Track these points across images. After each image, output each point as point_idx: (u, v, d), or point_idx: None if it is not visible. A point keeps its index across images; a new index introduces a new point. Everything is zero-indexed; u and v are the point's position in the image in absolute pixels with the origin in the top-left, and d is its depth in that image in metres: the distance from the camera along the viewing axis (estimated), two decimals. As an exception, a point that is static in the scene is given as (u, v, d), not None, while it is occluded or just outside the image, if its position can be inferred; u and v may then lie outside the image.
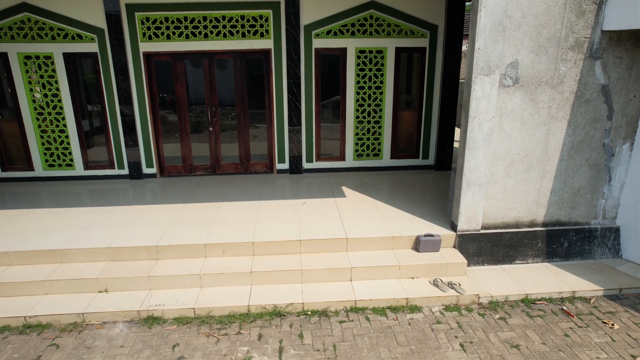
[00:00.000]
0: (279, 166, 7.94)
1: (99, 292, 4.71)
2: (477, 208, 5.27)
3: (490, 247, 5.39)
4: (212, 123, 7.66)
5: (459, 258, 5.12)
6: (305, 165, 7.99)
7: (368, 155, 8.09)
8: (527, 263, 5.45)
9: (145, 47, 7.10)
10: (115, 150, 7.57)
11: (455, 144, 9.72)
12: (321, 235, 5.24)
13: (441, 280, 4.88)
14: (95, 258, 5.03)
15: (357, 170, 8.11)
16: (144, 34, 7.06)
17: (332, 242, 5.19)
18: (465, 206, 5.24)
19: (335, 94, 7.78)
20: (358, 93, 7.70)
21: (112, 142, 7.53)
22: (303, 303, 4.51)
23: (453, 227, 5.44)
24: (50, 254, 4.97)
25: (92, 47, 7.03)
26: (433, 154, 8.19)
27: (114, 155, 7.60)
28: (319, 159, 8.01)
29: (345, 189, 7.05)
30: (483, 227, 5.40)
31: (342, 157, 8.06)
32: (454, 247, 5.38)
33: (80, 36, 7.00)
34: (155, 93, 7.46)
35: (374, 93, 7.74)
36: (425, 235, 5.22)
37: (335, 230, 5.40)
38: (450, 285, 4.81)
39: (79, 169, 7.63)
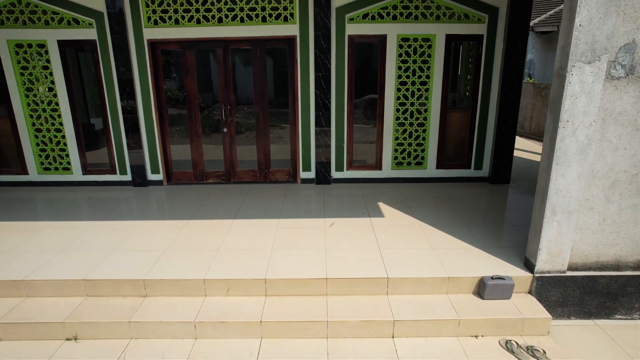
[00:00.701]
0: (303, 175, 6.77)
1: (67, 339, 3.66)
2: (563, 243, 3.93)
3: (580, 295, 4.04)
4: (226, 123, 6.57)
5: (539, 311, 3.80)
6: (335, 174, 6.78)
7: (409, 163, 6.80)
8: (632, 319, 4.05)
9: (150, 33, 6.08)
10: (116, 153, 6.60)
11: (517, 153, 8.27)
12: (354, 273, 4.04)
13: (516, 344, 3.57)
14: (68, 292, 4.00)
15: (395, 181, 6.84)
16: (149, 18, 6.04)
17: (369, 282, 3.98)
18: (547, 240, 3.91)
19: (371, 90, 6.54)
20: (399, 89, 6.43)
21: (114, 143, 6.56)
22: (329, 372, 3.32)
23: (528, 267, 4.11)
24: (13, 286, 3.97)
25: (90, 34, 6.06)
26: (488, 164, 6.82)
27: (115, 159, 6.64)
28: (350, 167, 6.79)
29: (382, 206, 5.81)
30: (570, 268, 4.05)
31: (378, 166, 6.81)
32: (529, 292, 4.06)
33: (76, 21, 6.05)
34: (162, 88, 6.44)
35: (419, 90, 6.45)
36: (492, 278, 3.92)
37: (372, 266, 4.18)
38: (531, 351, 3.49)
39: (76, 174, 6.71)
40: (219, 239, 4.81)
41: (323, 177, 6.72)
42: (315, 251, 4.49)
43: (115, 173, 6.71)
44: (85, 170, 6.72)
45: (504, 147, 6.58)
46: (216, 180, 6.88)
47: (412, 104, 6.51)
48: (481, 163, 6.82)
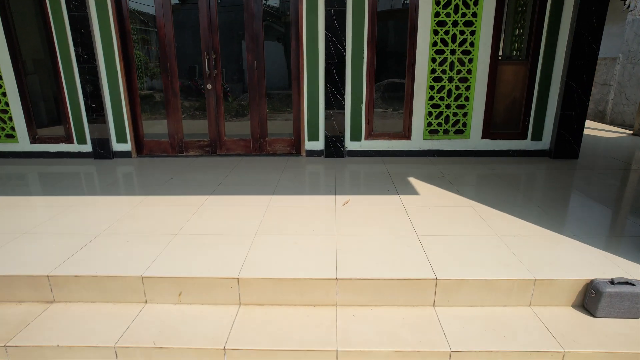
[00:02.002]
0: (309, 145, 5.28)
1: None
2: None
3: None
4: (210, 78, 5.12)
5: (695, 339, 2.23)
6: (349, 144, 5.27)
7: (447, 132, 5.25)
8: None
9: (111, -45, 4.67)
10: (72, 116, 5.21)
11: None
12: (380, 271, 2.53)
13: (670, 398, 2.01)
14: None
15: (428, 154, 5.29)
16: None
17: (405, 286, 2.46)
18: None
19: (399, 34, 5.02)
20: (436, 32, 4.89)
21: (68, 104, 5.16)
22: None
23: (663, 265, 2.55)
24: None
25: (33, -44, 4.69)
26: (550, 134, 5.22)
27: (71, 125, 5.24)
28: (370, 135, 5.27)
29: (415, 182, 4.28)
30: None
31: (406, 134, 5.27)
32: (665, 307, 2.48)
33: (15, -62, 4.69)
34: (128, 29, 5.01)
35: (462, 33, 4.90)
36: (613, 282, 2.36)
37: (408, 260, 2.67)
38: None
39: (23, 143, 5.34)
40: (182, 220, 3.35)
41: (334, 148, 5.21)
42: (320, 238, 3.00)
43: (71, 142, 5.32)
44: (34, 139, 5.34)
45: (574, 110, 4.98)
46: (198, 152, 5.43)
47: (453, 52, 4.96)
48: (540, 132, 5.22)
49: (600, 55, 10.41)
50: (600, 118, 10.04)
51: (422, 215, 3.40)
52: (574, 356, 2.14)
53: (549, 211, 3.46)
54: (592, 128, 8.06)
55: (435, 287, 2.45)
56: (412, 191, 3.99)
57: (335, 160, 5.12)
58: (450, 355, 2.14)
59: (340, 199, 3.78)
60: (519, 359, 2.14)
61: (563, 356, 2.14)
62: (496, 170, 4.67)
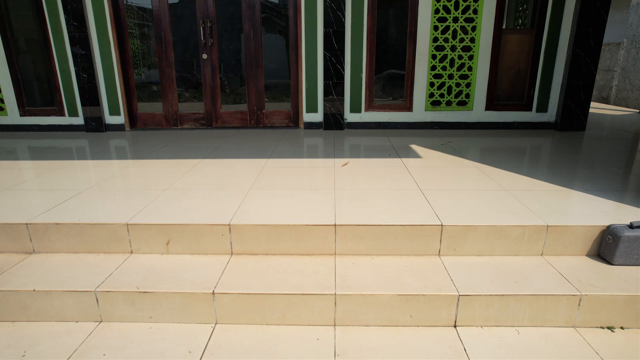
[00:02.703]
0: (307, 117, 5.12)
1: None
2: None
3: None
4: (206, 47, 4.96)
5: None
6: (349, 116, 5.11)
7: (450, 103, 5.09)
8: None
9: None
10: (63, 86, 5.05)
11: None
12: (381, 218, 2.37)
13: (696, 343, 1.85)
14: None
15: (430, 126, 5.13)
16: None
17: (408, 232, 2.30)
18: None
19: (400, 1, 4.86)
20: (438, -2, 4.74)
21: (59, 75, 5.00)
22: (336, 392, 1.67)
23: (683, 212, 2.39)
24: None
25: None
26: (555, 105, 5.06)
27: (62, 97, 5.08)
28: (370, 107, 5.11)
29: (416, 148, 4.12)
30: None
31: (407, 106, 5.11)
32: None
33: None
34: (120, -4, 4.87)
35: (465, 0, 4.74)
36: (632, 226, 2.20)
37: (411, 209, 2.51)
38: None
39: (12, 116, 5.18)
40: (173, 178, 3.19)
41: (334, 120, 5.05)
42: (318, 192, 2.84)
43: (62, 114, 5.16)
44: (24, 111, 5.18)
45: (581, 80, 4.82)
46: (194, 124, 5.27)
47: (456, 20, 4.80)
48: (546, 103, 5.06)
49: (604, 41, 10.25)
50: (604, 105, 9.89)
51: (425, 173, 3.24)
52: (592, 300, 1.98)
53: (558, 171, 3.30)
54: (597, 108, 7.90)
55: (441, 234, 2.29)
56: (414, 155, 3.83)
57: (335, 133, 4.96)
58: (458, 300, 1.98)
59: (340, 162, 3.62)
60: (532, 303, 1.98)
61: (580, 300, 1.98)
62: (501, 141, 4.51)
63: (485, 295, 1.98)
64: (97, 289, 2.02)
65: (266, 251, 2.35)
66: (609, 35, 10.08)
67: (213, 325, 2.03)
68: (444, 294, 1.98)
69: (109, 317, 2.06)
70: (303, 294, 1.99)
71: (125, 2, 4.88)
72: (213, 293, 2.00)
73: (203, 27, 4.88)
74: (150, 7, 4.89)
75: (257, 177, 3.19)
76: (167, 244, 2.36)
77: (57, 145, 4.44)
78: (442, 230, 2.28)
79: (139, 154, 3.99)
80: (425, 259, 2.30)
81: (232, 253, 2.36)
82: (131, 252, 2.38)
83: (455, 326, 2.02)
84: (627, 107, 8.98)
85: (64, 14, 4.75)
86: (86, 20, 4.76)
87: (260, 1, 4.84)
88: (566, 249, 2.32)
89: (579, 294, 1.97)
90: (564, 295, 1.98)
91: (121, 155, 3.98)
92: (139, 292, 2.01)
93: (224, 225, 2.31)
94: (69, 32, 4.79)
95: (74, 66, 4.92)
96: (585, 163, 3.59)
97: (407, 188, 2.88)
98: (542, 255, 2.33)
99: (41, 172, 3.36)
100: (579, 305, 1.98)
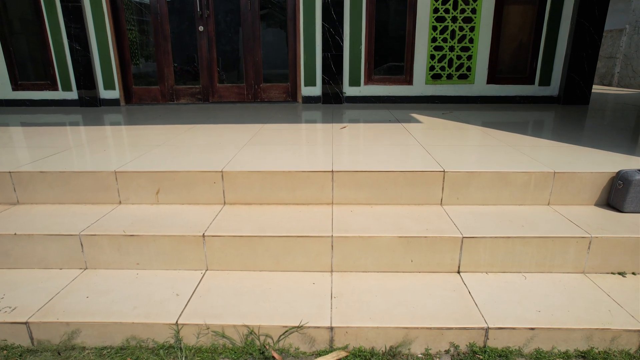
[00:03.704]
0: (305, 91, 5.01)
1: None
2: None
3: None
4: (202, 18, 4.85)
5: None
6: (348, 90, 5.00)
7: (450, 76, 4.98)
8: None
9: None
10: (57, 62, 4.94)
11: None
12: (380, 165, 2.27)
13: None
14: None
15: (431, 100, 5.03)
16: None
17: (409, 179, 2.20)
18: None
19: (400, -29, 4.75)
20: (439, -34, 4.62)
21: (52, 49, 4.89)
22: (332, 328, 1.56)
23: (697, 161, 2.28)
24: None
25: None
26: (558, 79, 4.95)
27: (55, 70, 4.97)
28: (370, 80, 5.00)
29: (417, 116, 4.02)
30: None
31: (407, 79, 5.00)
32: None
33: None
34: (114, -35, 4.75)
35: (466, -32, 4.63)
36: (642, 171, 2.10)
37: (412, 158, 2.41)
38: None
39: (4, 90, 5.07)
40: (167, 137, 3.09)
41: (333, 93, 4.94)
42: (316, 146, 2.74)
43: (56, 89, 5.05)
44: (17, 85, 5.07)
45: (585, 51, 4.71)
46: (190, 99, 5.16)
47: (457, -11, 4.70)
48: (549, 76, 4.95)
49: (605, 28, 10.12)
50: (607, 87, 9.77)
51: (427, 134, 3.14)
52: (602, 243, 1.88)
53: (564, 134, 3.19)
54: (599, 89, 7.78)
55: (443, 181, 2.19)
56: (415, 121, 3.72)
57: (334, 106, 4.84)
58: (462, 242, 1.87)
59: (338, 125, 3.52)
60: (540, 247, 1.88)
61: (590, 243, 1.88)
62: (504, 113, 4.40)
63: (491, 237, 1.88)
64: (81, 233, 1.92)
65: (260, 200, 2.24)
66: (611, 23, 9.94)
67: (203, 271, 1.93)
68: (447, 236, 1.88)
69: (94, 263, 1.95)
70: (298, 236, 1.89)
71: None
72: (203, 236, 1.90)
73: (199, -2, 4.77)
74: (144, -23, 4.78)
75: (253, 136, 3.09)
76: (157, 193, 2.25)
77: (48, 116, 4.33)
78: (444, 177, 2.18)
79: (132, 122, 3.89)
80: (427, 207, 2.20)
81: (224, 202, 2.25)
82: (119, 202, 2.28)
83: (459, 272, 1.92)
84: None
85: (56, -17, 4.64)
86: (79, -10, 4.65)
87: (257, -29, 4.74)
88: (574, 197, 2.22)
89: (588, 236, 1.87)
90: (573, 237, 1.88)
91: (114, 123, 3.88)
92: (126, 235, 1.91)
93: (216, 172, 2.21)
94: (62, 3, 4.68)
95: (67, 39, 4.81)
96: (592, 128, 3.49)
97: (409, 144, 2.78)
98: (549, 204, 2.23)
99: (31, 135, 3.26)
100: (588, 249, 1.88)
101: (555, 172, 2.18)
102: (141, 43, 5.04)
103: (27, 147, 2.83)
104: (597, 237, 1.87)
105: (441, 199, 2.22)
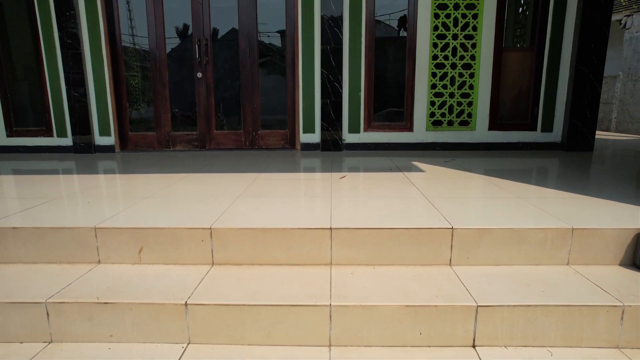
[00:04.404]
0: (304, 137, 4.92)
1: None
2: None
3: None
4: (201, 65, 4.85)
5: None
6: (348, 137, 4.92)
7: (451, 123, 4.91)
8: None
9: (99, -63, 4.53)
10: (53, 108, 4.88)
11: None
12: (383, 222, 2.09)
13: None
14: None
15: (432, 147, 4.93)
16: None
17: (414, 237, 2.01)
18: None
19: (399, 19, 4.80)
20: (437, 16, 4.66)
21: (50, 94, 4.86)
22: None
23: None
24: None
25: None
26: (560, 124, 4.88)
27: (51, 116, 4.91)
28: (369, 127, 4.93)
29: (419, 164, 3.90)
30: None
31: (408, 126, 4.93)
32: None
33: None
34: (116, 14, 4.80)
35: (464, 17, 4.67)
36: (671, 229, 1.92)
37: (416, 213, 2.24)
38: None
39: (-1, 136, 5.00)
40: (157, 188, 2.93)
41: (332, 140, 4.85)
42: (313, 198, 2.57)
43: (51, 135, 4.97)
44: (12, 132, 4.99)
45: (586, 97, 4.67)
46: (186, 146, 5.06)
47: (455, 37, 4.72)
48: (551, 122, 4.88)
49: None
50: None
51: (430, 184, 2.99)
52: (637, 313, 1.66)
53: (574, 183, 3.04)
54: (597, 133, 7.74)
55: (452, 238, 2.00)
56: (417, 170, 3.59)
57: (333, 153, 4.74)
58: (476, 312, 1.66)
59: (336, 175, 3.38)
60: (565, 316, 1.66)
61: (622, 312, 1.66)
62: (508, 160, 4.29)
63: (508, 306, 1.67)
64: (48, 300, 1.71)
65: (252, 260, 2.05)
66: (605, 69, 10.15)
67: (185, 345, 1.70)
68: (460, 305, 1.67)
69: (60, 336, 1.73)
70: (292, 305, 1.68)
71: (119, 25, 4.81)
72: (186, 304, 1.69)
73: (198, 45, 4.78)
74: (146, 41, 4.82)
75: (248, 186, 2.93)
76: (140, 251, 2.06)
77: (39, 164, 4.20)
78: (452, 234, 2.00)
79: (123, 170, 3.75)
80: (435, 268, 2.00)
81: (213, 263, 2.05)
82: (98, 261, 2.08)
83: (474, 346, 1.69)
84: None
85: (58, 31, 4.67)
86: (80, 38, 4.67)
87: (256, 19, 4.77)
88: (596, 257, 2.02)
89: (620, 304, 1.66)
90: (602, 306, 1.67)
91: (104, 171, 3.74)
92: (99, 303, 1.70)
93: (205, 229, 2.03)
94: (62, 50, 4.69)
95: (65, 85, 4.78)
96: (602, 176, 3.35)
97: (411, 196, 2.62)
98: (568, 264, 2.03)
99: (15, 184, 3.10)
100: (621, 319, 1.67)
101: (573, 229, 2.00)
102: (139, 89, 5.02)
103: (7, 198, 2.67)
104: (630, 306, 1.66)
105: (450, 259, 2.03)
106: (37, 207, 2.42)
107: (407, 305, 1.67)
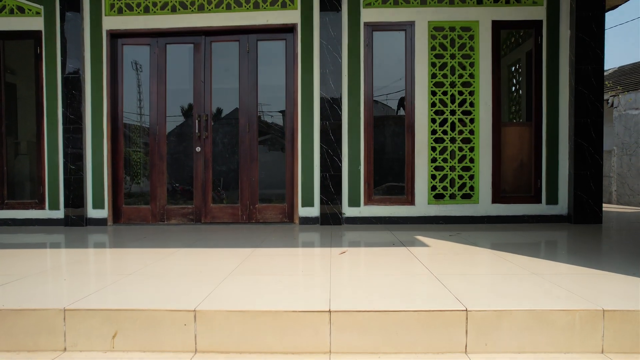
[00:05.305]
0: (303, 212, 4.78)
1: None
2: None
3: None
4: (200, 140, 4.87)
5: None
6: (348, 210, 4.78)
7: (453, 196, 4.81)
8: None
9: (112, 23, 4.80)
10: (49, 180, 4.83)
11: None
12: (387, 304, 1.87)
13: None
14: None
15: (434, 221, 4.77)
16: (112, 5, 4.82)
17: (422, 320, 1.78)
18: None
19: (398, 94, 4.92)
20: (434, 93, 4.78)
21: (46, 167, 4.82)
22: None
23: None
24: None
25: (36, 24, 4.81)
26: (565, 197, 4.77)
27: (45, 189, 4.83)
28: (370, 200, 4.81)
29: (423, 239, 3.71)
30: None
31: (409, 199, 4.82)
32: None
33: (21, 9, 4.86)
34: (120, 94, 4.92)
35: (461, 93, 4.79)
36: None
37: (424, 294, 2.02)
38: None
39: (-11, 208, 4.87)
40: (142, 264, 2.72)
41: (331, 214, 4.71)
42: (310, 277, 2.36)
43: (43, 207, 4.84)
44: (2, 204, 4.87)
45: (588, 170, 4.62)
46: (181, 220, 4.91)
47: (453, 113, 4.79)
48: (555, 195, 4.78)
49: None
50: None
51: (436, 259, 2.79)
52: (693, 415, 1.39)
53: (592, 258, 2.84)
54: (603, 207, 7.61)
55: (466, 322, 1.77)
56: (421, 244, 3.40)
57: (332, 227, 4.57)
58: (502, 414, 1.39)
59: (337, 250, 3.18)
60: (609, 420, 1.39)
61: (676, 415, 1.39)
62: (514, 233, 4.11)
63: (542, 407, 1.40)
64: (-4, 399, 1.45)
65: (241, 348, 1.79)
66: (600, 144, 10.35)
67: None
68: (483, 406, 1.40)
69: None
70: (284, 406, 1.41)
71: (123, 102, 4.93)
72: (157, 404, 1.42)
73: (198, 120, 4.85)
74: (147, 120, 4.93)
75: (241, 263, 2.73)
76: (114, 337, 1.81)
77: (26, 237, 4.02)
78: (467, 317, 1.77)
79: (112, 244, 3.56)
80: (448, 357, 1.74)
81: (196, 350, 1.80)
82: (64, 349, 1.82)
83: None
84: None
85: (62, 108, 4.76)
86: (83, 115, 4.75)
87: (257, 99, 4.90)
88: (635, 343, 1.77)
89: (673, 404, 1.40)
90: (652, 406, 1.40)
91: (93, 245, 3.55)
92: (55, 403, 1.43)
93: (188, 311, 1.80)
94: (64, 125, 4.74)
95: (63, 158, 4.76)
96: (617, 250, 3.15)
97: (417, 273, 2.41)
98: (603, 352, 1.77)
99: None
100: (676, 423, 1.39)
101: (604, 310, 1.78)
102: (137, 162, 5.00)
103: (-21, 275, 2.45)
104: (684, 407, 1.40)
105: (465, 346, 1.78)
106: (8, 285, 2.21)
107: (420, 406, 1.41)
